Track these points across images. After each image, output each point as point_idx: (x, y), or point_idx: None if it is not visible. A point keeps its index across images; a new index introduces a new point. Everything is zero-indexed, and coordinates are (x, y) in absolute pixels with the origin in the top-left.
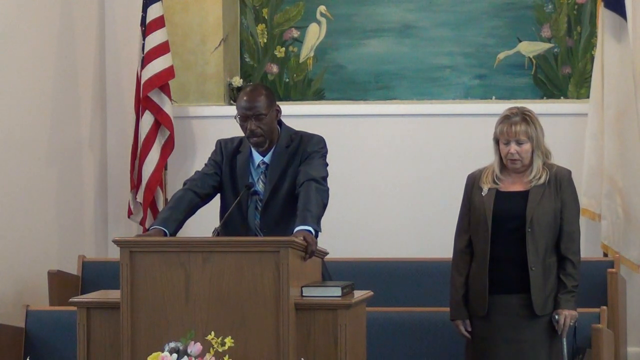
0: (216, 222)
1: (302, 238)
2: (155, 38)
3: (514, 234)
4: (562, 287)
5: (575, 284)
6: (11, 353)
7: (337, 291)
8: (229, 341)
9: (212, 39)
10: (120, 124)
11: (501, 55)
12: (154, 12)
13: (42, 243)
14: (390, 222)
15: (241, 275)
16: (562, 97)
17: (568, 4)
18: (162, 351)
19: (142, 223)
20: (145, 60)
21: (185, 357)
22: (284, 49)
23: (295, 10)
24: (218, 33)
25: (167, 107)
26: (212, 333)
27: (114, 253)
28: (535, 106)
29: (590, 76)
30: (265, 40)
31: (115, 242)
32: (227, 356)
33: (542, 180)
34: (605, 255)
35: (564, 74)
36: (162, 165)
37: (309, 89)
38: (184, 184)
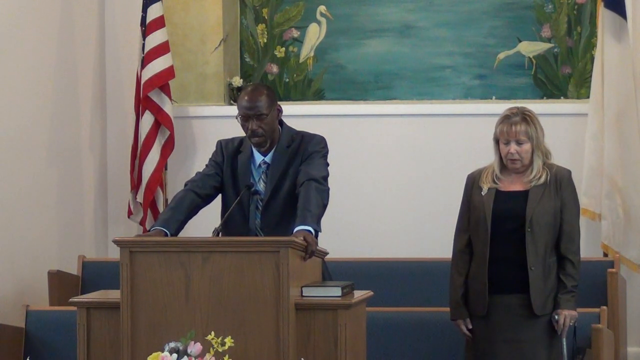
0: (216, 222)
1: (302, 238)
2: (155, 38)
3: (513, 234)
4: (562, 287)
5: (575, 284)
6: (11, 353)
7: (337, 291)
8: (229, 341)
9: (212, 39)
10: (120, 124)
11: (501, 55)
12: (154, 12)
13: (42, 243)
14: (390, 222)
15: (241, 275)
16: (562, 97)
17: (568, 4)
18: (162, 351)
19: (142, 223)
20: (145, 60)
21: (185, 357)
22: (284, 49)
23: (295, 10)
24: (218, 33)
25: (167, 107)
26: (212, 333)
27: (114, 253)
28: (535, 106)
29: (590, 76)
30: (265, 40)
31: (115, 242)
32: (227, 356)
33: (542, 180)
34: (605, 255)
35: (564, 74)
36: (162, 165)
37: (309, 89)
38: (185, 185)
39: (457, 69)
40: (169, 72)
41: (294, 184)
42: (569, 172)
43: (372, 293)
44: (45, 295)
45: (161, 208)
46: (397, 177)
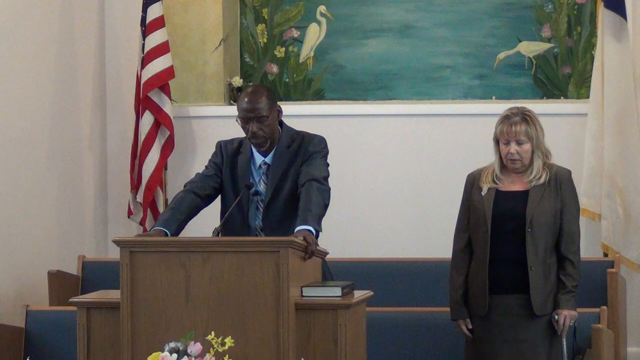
0: (216, 223)
1: (302, 238)
2: (155, 38)
3: (513, 234)
4: (562, 287)
5: (575, 284)
6: (11, 353)
7: (337, 291)
8: (229, 341)
9: (212, 39)
10: (120, 124)
11: (501, 55)
12: (154, 12)
13: (42, 243)
14: (390, 222)
15: (241, 275)
16: (562, 97)
17: (568, 4)
18: (162, 351)
19: (142, 223)
20: (145, 60)
21: (185, 357)
22: (284, 49)
23: (295, 10)
24: (218, 33)
25: (167, 107)
26: (212, 333)
27: (114, 253)
28: (535, 106)
29: (590, 76)
30: (265, 40)
31: (115, 242)
32: (227, 356)
33: (542, 180)
34: (605, 255)
35: (564, 74)
36: (162, 165)
37: (309, 89)
38: (184, 186)
39: (457, 69)
40: (169, 72)
41: (295, 185)
42: (569, 172)
43: (372, 293)
44: (45, 295)
45: (161, 208)
46: (397, 177)
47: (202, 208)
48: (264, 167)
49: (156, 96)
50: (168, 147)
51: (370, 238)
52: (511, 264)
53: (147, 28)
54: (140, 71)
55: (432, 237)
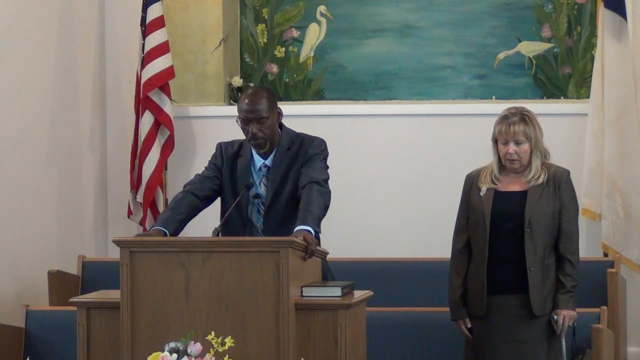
0: (216, 223)
1: (301, 238)
2: (155, 38)
3: (512, 234)
4: (561, 287)
5: (574, 284)
6: (11, 353)
7: (337, 291)
8: (229, 341)
9: (212, 39)
10: (120, 124)
11: (501, 55)
12: (154, 12)
13: (42, 243)
14: (390, 222)
15: (241, 275)
16: (562, 97)
17: (568, 4)
18: (162, 351)
19: (142, 223)
20: (145, 60)
21: (185, 357)
22: (284, 49)
23: (295, 10)
24: (218, 33)
25: (167, 107)
26: (212, 333)
27: (114, 253)
28: (535, 106)
29: (590, 76)
30: (265, 40)
31: (115, 242)
32: (227, 356)
33: (540, 180)
34: (605, 255)
35: (564, 74)
36: (162, 165)
37: (309, 89)
38: (184, 187)
39: (457, 69)
40: (169, 72)
41: (295, 187)
42: (568, 172)
43: (372, 293)
44: (45, 295)
45: (161, 208)
46: (397, 177)
47: (201, 209)
48: (264, 170)
49: (156, 96)
50: (168, 147)
51: (370, 238)
52: (510, 264)
53: (147, 28)
54: (140, 71)
55: (432, 237)
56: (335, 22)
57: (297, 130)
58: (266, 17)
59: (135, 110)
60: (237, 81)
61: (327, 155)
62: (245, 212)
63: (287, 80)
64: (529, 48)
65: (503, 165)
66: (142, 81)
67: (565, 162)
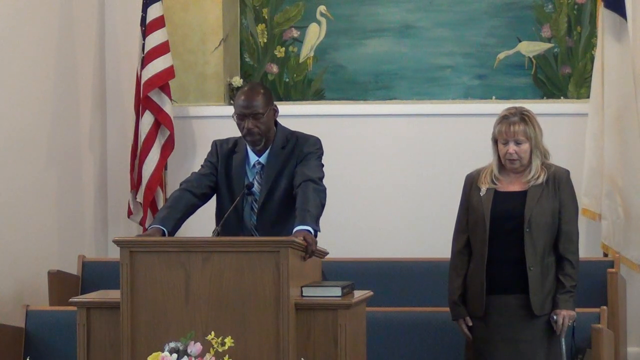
0: (214, 222)
1: (302, 238)
2: (155, 38)
3: (512, 234)
4: (561, 287)
5: (574, 284)
6: (11, 353)
7: (337, 291)
8: (229, 341)
9: (212, 39)
10: (120, 124)
11: (501, 55)
12: (154, 12)
13: (42, 243)
14: (390, 222)
15: (241, 275)
16: (562, 97)
17: (568, 4)
18: (162, 351)
19: (142, 223)
20: (145, 60)
21: (185, 357)
22: (284, 49)
23: (295, 10)
24: (218, 33)
25: (167, 107)
26: (212, 333)
27: (114, 253)
28: (535, 106)
29: (590, 76)
30: (265, 40)
31: (115, 242)
32: (227, 356)
33: (540, 180)
34: (605, 255)
35: (564, 74)
36: (162, 165)
37: (309, 89)
38: (180, 185)
39: (457, 69)
40: (169, 72)
41: (290, 185)
42: (568, 172)
43: (372, 293)
44: (45, 295)
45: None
46: (397, 177)
47: (198, 207)
48: (258, 167)
49: (156, 96)
50: (168, 147)
51: (370, 238)
52: (510, 264)
53: (147, 28)
54: (140, 71)
55: (432, 237)
56: (335, 22)
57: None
58: (266, 17)
59: (135, 110)
60: (237, 81)
61: (322, 153)
62: (241, 211)
63: (287, 80)
64: (529, 48)
65: (503, 165)
66: (142, 81)
67: (565, 162)
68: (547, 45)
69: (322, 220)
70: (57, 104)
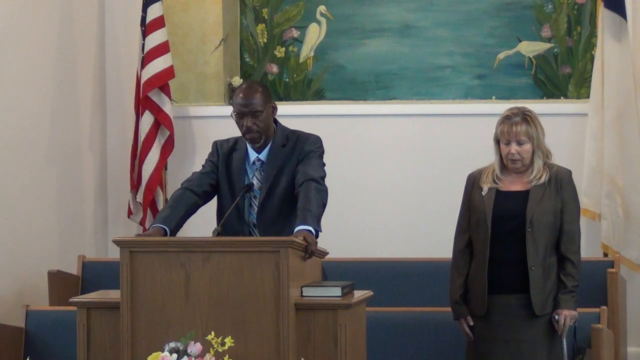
0: (215, 221)
1: (302, 238)
2: (155, 38)
3: (513, 234)
4: (562, 287)
5: (576, 284)
6: (11, 353)
7: (337, 291)
8: (229, 341)
9: (212, 39)
10: (120, 124)
11: (501, 55)
12: (154, 12)
13: (42, 243)
14: (390, 222)
15: (241, 275)
16: (562, 97)
17: (568, 4)
18: (162, 351)
19: (142, 223)
20: (145, 60)
21: (185, 357)
22: (284, 49)
23: (295, 10)
24: (218, 33)
25: (167, 107)
26: (212, 333)
27: (114, 253)
28: (535, 106)
29: (590, 76)
30: (265, 40)
31: (115, 242)
32: (227, 356)
33: (542, 180)
34: (605, 255)
35: (564, 74)
36: (162, 165)
37: (309, 89)
38: (182, 184)
39: (457, 69)
40: (169, 72)
41: (290, 183)
42: (570, 172)
43: (372, 293)
44: (45, 295)
45: (161, 208)
46: (397, 177)
47: (200, 205)
48: (258, 164)
49: (156, 96)
50: (168, 147)
51: (370, 238)
52: (511, 264)
53: (147, 28)
54: (140, 71)
55: (432, 237)
56: (335, 22)
57: None
58: (266, 17)
59: (135, 110)
60: (237, 81)
61: (323, 152)
62: (241, 207)
63: (287, 80)
64: (529, 48)
65: (505, 165)
66: (142, 81)
67: (565, 162)
68: (547, 45)
69: (323, 220)
70: (57, 104)
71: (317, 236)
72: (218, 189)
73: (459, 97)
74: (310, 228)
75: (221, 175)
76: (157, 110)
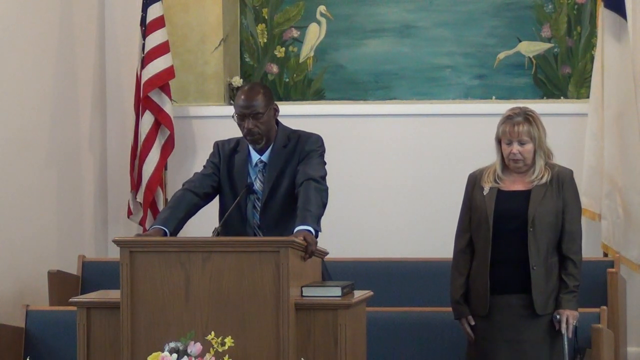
0: (215, 222)
1: (302, 238)
2: (155, 38)
3: (515, 234)
4: (564, 287)
5: (577, 284)
6: (11, 353)
7: (337, 291)
8: (229, 341)
9: (212, 39)
10: (120, 124)
11: (501, 55)
12: (154, 12)
13: (42, 243)
14: (390, 222)
15: (241, 275)
16: (562, 97)
17: (568, 4)
18: (162, 351)
19: (142, 223)
20: (145, 60)
21: (185, 357)
22: (284, 49)
23: (295, 10)
24: (218, 33)
25: (167, 107)
26: (212, 333)
27: (114, 253)
28: (535, 106)
29: (590, 76)
30: (265, 40)
31: (115, 242)
32: (227, 356)
33: (544, 180)
34: (605, 255)
35: (564, 74)
36: (162, 165)
37: (309, 89)
38: (183, 185)
39: (457, 69)
40: (169, 72)
41: (292, 184)
42: (571, 172)
43: (372, 293)
44: (45, 295)
45: (161, 208)
46: (397, 177)
47: (200, 207)
48: (260, 165)
49: (156, 96)
50: (168, 147)
51: (370, 238)
52: (513, 263)
53: (147, 28)
54: (140, 71)
55: (432, 237)
56: (335, 22)
57: None
58: (266, 17)
59: (135, 110)
60: (237, 81)
61: (324, 151)
62: (243, 211)
63: (287, 80)
64: (529, 48)
65: (506, 165)
66: (142, 81)
67: (565, 162)
68: (547, 45)
69: (323, 220)
70: (57, 104)
71: (317, 236)
72: (219, 190)
73: (459, 97)
74: (310, 228)
75: (223, 176)
76: (157, 110)
